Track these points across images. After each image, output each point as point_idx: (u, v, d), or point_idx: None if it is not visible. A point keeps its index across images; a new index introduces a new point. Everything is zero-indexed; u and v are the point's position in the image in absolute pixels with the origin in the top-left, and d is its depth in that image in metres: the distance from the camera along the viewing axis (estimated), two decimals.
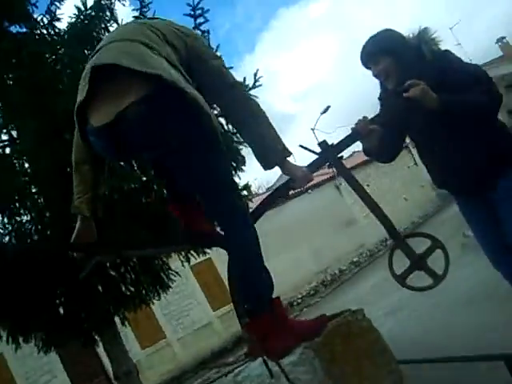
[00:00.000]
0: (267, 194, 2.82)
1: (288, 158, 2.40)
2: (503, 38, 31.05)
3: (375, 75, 2.93)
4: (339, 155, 2.58)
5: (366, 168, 24.22)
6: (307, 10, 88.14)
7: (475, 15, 68.69)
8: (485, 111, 2.71)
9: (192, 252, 6.79)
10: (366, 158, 21.47)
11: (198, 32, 6.17)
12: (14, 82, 5.83)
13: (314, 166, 2.58)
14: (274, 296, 2.33)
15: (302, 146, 2.60)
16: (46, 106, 5.42)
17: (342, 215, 23.60)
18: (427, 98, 2.57)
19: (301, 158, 2.64)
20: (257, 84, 6.10)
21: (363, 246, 23.09)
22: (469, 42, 71.07)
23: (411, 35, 2.91)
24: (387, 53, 2.85)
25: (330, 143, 2.59)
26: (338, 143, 2.59)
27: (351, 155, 27.88)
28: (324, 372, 2.03)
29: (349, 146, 2.61)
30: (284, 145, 2.39)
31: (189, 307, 17.90)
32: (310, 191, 23.86)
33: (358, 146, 2.94)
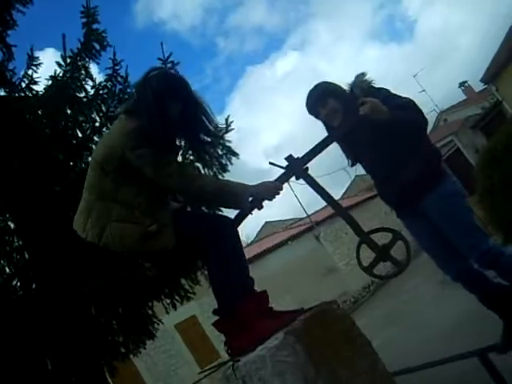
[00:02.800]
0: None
1: (250, 189, 2.70)
2: (465, 82, 32.34)
3: (325, 115, 3.29)
4: (305, 167, 2.82)
5: None
6: (274, 67, 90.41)
7: (438, 63, 71.37)
8: (420, 126, 3.18)
9: (177, 297, 6.89)
10: (346, 205, 21.36)
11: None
12: None
13: (282, 179, 2.82)
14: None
15: (271, 163, 2.85)
16: (28, 157, 5.61)
17: (323, 264, 23.72)
18: (379, 110, 2.91)
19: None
20: (229, 128, 6.41)
21: (346, 293, 23.13)
22: (433, 89, 73.54)
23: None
24: (331, 94, 3.27)
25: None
26: (304, 156, 2.85)
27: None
28: (305, 355, 2.22)
29: (313, 158, 2.86)
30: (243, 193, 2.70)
31: (176, 366, 17.58)
32: (290, 242, 24.02)
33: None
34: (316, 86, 3.34)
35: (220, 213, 5.27)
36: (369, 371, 2.33)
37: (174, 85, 2.74)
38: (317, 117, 3.38)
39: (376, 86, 3.31)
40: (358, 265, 2.65)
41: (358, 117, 2.96)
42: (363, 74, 3.30)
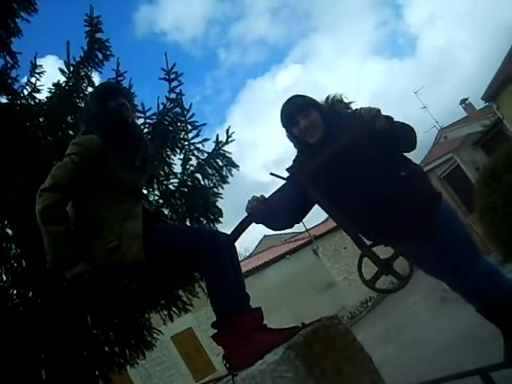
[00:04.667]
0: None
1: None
2: (466, 99, 32.31)
3: (304, 127, 2.96)
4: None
5: (343, 231, 24.51)
6: (275, 80, 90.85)
7: (439, 79, 71.62)
8: (414, 136, 2.97)
9: (174, 309, 6.85)
10: None
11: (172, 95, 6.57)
12: None
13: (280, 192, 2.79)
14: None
15: (272, 174, 2.82)
16: (27, 165, 5.59)
17: (320, 278, 23.68)
18: (382, 117, 2.79)
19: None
20: (229, 140, 6.42)
21: (344, 308, 23.06)
22: (434, 105, 73.64)
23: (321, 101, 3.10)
24: (315, 106, 3.01)
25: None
26: (305, 168, 2.81)
27: (327, 219, 28.19)
28: (305, 370, 2.16)
29: (315, 169, 2.81)
30: None
31: (171, 379, 17.47)
32: (288, 256, 24.00)
33: None
34: (294, 97, 3.06)
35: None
36: None
37: (106, 85, 3.00)
38: (290, 128, 3.04)
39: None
40: (360, 278, 2.59)
41: (362, 128, 2.78)
42: (337, 95, 3.08)
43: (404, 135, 2.91)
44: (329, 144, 2.84)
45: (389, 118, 2.88)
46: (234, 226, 2.86)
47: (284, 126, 3.08)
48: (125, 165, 2.70)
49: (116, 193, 2.67)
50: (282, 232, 35.02)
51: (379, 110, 2.77)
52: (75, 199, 2.68)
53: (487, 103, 23.73)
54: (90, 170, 2.62)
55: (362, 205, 2.93)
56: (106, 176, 2.65)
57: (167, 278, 5.19)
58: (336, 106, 3.05)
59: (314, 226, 28.87)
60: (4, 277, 6.17)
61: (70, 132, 6.50)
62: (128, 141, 2.74)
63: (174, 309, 6.81)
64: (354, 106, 3.06)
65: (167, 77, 6.44)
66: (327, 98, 3.09)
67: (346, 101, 3.08)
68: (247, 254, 35.85)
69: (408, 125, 2.99)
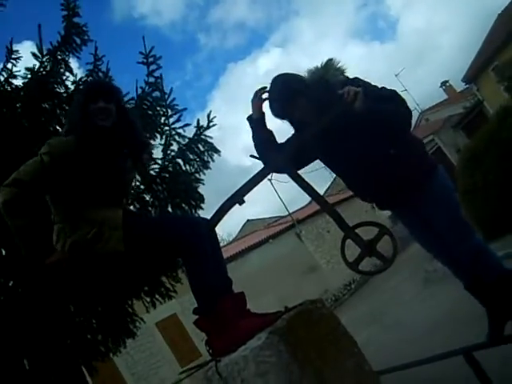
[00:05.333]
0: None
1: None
2: (446, 81, 32.61)
3: (300, 115, 2.97)
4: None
5: (326, 215, 24.57)
6: (256, 64, 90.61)
7: (419, 62, 71.84)
8: (405, 117, 2.98)
9: (158, 296, 6.81)
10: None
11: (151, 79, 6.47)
12: None
13: (263, 173, 2.77)
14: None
15: (252, 156, 2.79)
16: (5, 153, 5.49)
17: (304, 262, 23.74)
18: (359, 100, 2.73)
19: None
20: (211, 124, 6.35)
21: (327, 291, 23.16)
22: (415, 88, 73.91)
23: (314, 69, 3.02)
24: (300, 93, 2.93)
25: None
26: (284, 147, 2.78)
27: (310, 203, 28.26)
28: (289, 355, 2.15)
29: (295, 151, 2.78)
30: None
31: (157, 365, 17.43)
32: (271, 241, 24.00)
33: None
34: (276, 84, 2.99)
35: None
36: (354, 372, 2.27)
37: (88, 87, 3.00)
38: (285, 119, 3.07)
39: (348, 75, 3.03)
40: (343, 260, 2.57)
41: (339, 108, 2.72)
42: (333, 61, 2.98)
43: (390, 117, 2.87)
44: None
45: (379, 98, 2.87)
46: (215, 209, 2.83)
47: (277, 117, 3.04)
48: (103, 167, 2.68)
49: (95, 193, 2.68)
50: (265, 216, 35.08)
51: (357, 93, 2.73)
52: (54, 198, 2.70)
53: (467, 85, 23.89)
54: (61, 170, 2.61)
55: (352, 180, 3.14)
56: (83, 177, 2.65)
57: (149, 266, 5.17)
58: (329, 74, 2.97)
59: (297, 210, 28.93)
60: None
61: (48, 118, 6.39)
62: (104, 146, 2.70)
63: (157, 296, 6.75)
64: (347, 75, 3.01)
65: (145, 60, 6.33)
66: (327, 63, 3.00)
67: (340, 67, 3.01)
68: (230, 239, 35.92)
69: (398, 107, 2.96)
